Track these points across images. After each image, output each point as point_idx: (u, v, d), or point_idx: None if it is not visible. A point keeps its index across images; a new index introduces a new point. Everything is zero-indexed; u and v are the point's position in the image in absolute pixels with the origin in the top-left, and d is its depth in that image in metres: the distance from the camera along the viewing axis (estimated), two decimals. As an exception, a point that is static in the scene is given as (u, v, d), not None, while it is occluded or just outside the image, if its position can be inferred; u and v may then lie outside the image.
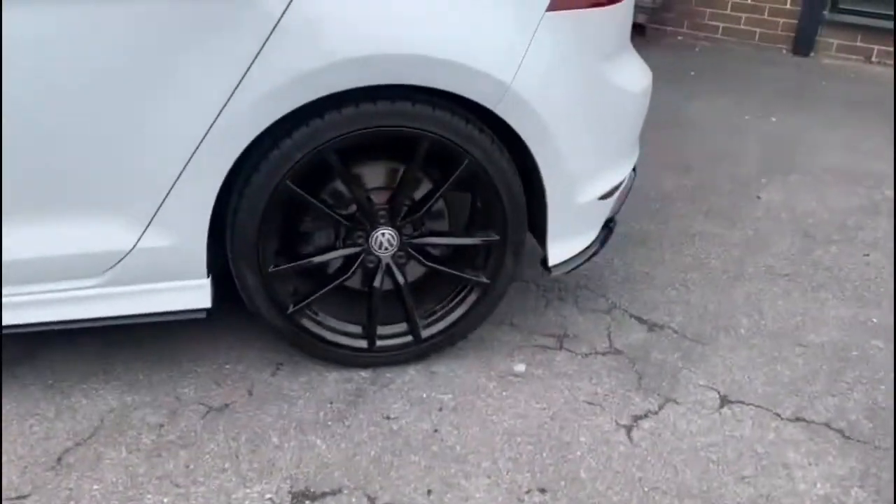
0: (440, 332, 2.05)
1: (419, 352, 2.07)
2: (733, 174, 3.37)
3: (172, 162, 1.67)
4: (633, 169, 2.33)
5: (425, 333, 2.04)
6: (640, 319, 2.36)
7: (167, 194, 1.71)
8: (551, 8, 1.77)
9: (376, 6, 1.66)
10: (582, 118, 1.91)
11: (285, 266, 1.88)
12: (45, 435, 1.78)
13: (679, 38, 5.77)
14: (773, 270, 2.65)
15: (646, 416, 1.96)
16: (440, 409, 1.94)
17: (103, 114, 1.61)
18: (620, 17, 1.97)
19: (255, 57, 1.61)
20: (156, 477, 1.69)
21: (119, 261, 1.77)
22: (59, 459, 1.72)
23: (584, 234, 2.10)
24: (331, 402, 1.93)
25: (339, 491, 1.68)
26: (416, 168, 1.85)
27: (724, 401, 2.03)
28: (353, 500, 1.66)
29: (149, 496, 1.64)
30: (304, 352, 2.01)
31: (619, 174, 2.11)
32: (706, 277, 2.59)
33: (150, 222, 1.74)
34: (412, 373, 2.06)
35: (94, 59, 1.56)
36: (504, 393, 2.01)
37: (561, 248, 2.05)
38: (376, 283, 1.95)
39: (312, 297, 1.93)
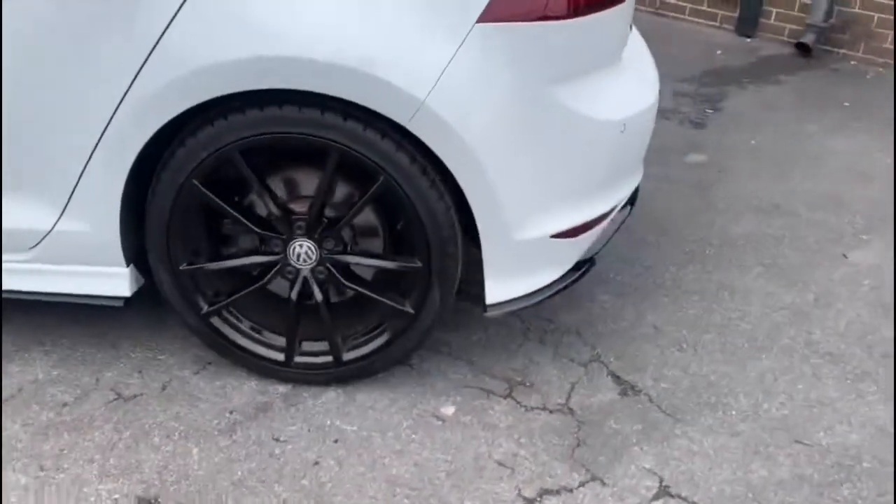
0: (362, 358, 1.91)
1: (339, 375, 1.94)
2: (828, 224, 2.88)
3: (79, 150, 1.68)
4: (630, 203, 2.05)
5: (347, 356, 1.91)
6: (617, 379, 2.06)
7: (77, 181, 1.72)
8: (484, 19, 1.56)
9: (274, 6, 1.55)
10: (520, 146, 1.68)
11: (195, 266, 1.83)
12: (-34, 395, 1.88)
13: (851, 62, 5.07)
14: (814, 346, 2.22)
15: (558, 491, 1.71)
16: (335, 441, 1.81)
17: (16, 96, 1.65)
18: (589, 31, 1.70)
19: (152, 49, 1.56)
20: (28, 455, 1.72)
21: (41, 240, 1.81)
22: (-37, 420, 1.80)
23: (533, 275, 1.86)
24: (231, 412, 1.87)
25: (183, 508, 1.62)
26: (327, 180, 1.72)
27: (662, 492, 1.71)
28: (193, 520, 1.59)
29: (10, 473, 1.67)
30: (221, 356, 1.96)
31: (587, 212, 1.84)
32: (725, 342, 2.22)
33: (65, 207, 1.76)
34: (331, 396, 1.94)
35: (7, 42, 1.60)
36: (413, 435, 1.83)
37: (501, 286, 1.83)
38: (292, 295, 1.85)
39: (225, 301, 1.87)
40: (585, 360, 2.13)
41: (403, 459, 1.76)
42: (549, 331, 2.23)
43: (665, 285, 2.48)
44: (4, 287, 1.89)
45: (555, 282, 1.90)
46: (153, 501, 1.62)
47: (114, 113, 1.62)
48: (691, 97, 4.00)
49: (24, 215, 1.78)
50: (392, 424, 1.86)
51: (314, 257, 1.81)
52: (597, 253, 1.98)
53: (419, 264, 1.78)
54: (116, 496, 1.63)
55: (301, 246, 1.79)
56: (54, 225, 1.78)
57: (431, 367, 2.05)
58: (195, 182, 1.71)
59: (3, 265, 1.86)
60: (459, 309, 2.14)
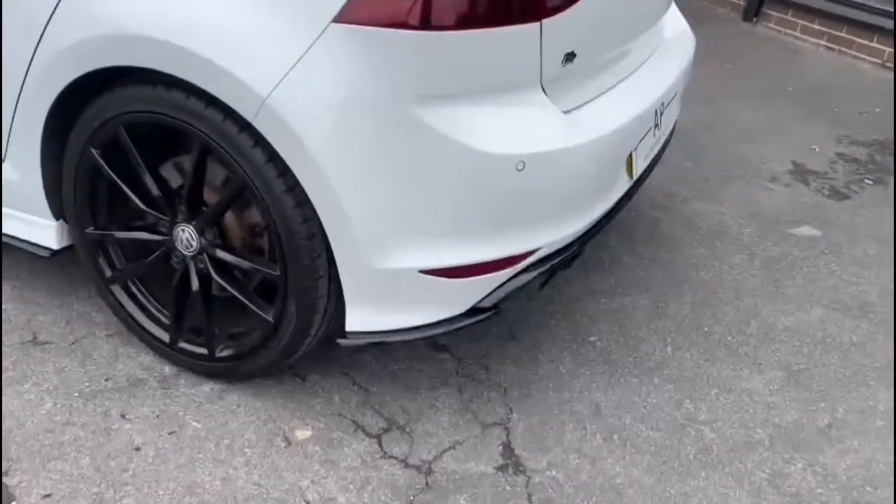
0: (232, 358, 1.85)
1: (210, 369, 1.89)
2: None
3: (7, 102, 1.80)
4: (563, 263, 1.78)
5: (219, 353, 1.86)
6: (508, 452, 1.80)
7: (8, 136, 1.85)
8: (341, 19, 1.43)
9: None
10: (376, 166, 1.52)
11: (99, 231, 1.88)
12: None
13: None
14: (782, 481, 1.77)
15: (341, 552, 1.52)
16: (171, 433, 1.76)
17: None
18: (473, 48, 1.48)
19: (52, 12, 1.63)
20: None
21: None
22: None
23: (405, 310, 1.68)
24: (107, 379, 1.90)
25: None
26: (192, 167, 1.68)
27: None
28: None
29: None
30: (123, 325, 2.00)
31: (472, 253, 1.62)
32: (667, 446, 1.85)
33: (3, 155, 1.90)
34: (205, 389, 1.89)
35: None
36: (247, 450, 1.74)
37: (363, 315, 1.68)
38: (174, 280, 1.84)
39: (117, 272, 1.91)
40: (490, 421, 1.88)
41: (217, 470, 1.68)
42: (476, 380, 2.01)
43: (644, 364, 2.12)
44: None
45: (436, 323, 1.70)
46: (-22, 440, 1.70)
47: (24, 77, 1.72)
48: (855, 162, 3.40)
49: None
50: (236, 432, 1.78)
51: (195, 245, 1.78)
52: (499, 299, 1.74)
53: (276, 272, 1.68)
54: (-46, 426, 1.73)
55: (184, 231, 1.77)
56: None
57: (323, 385, 1.93)
58: (92, 150, 1.76)
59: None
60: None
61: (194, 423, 1.79)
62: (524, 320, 2.24)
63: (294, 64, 1.46)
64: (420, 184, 1.55)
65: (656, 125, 2.10)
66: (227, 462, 1.70)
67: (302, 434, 1.80)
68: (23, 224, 1.98)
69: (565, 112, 1.68)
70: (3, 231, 2.00)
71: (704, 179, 3.18)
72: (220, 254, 1.76)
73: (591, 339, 2.21)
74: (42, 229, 1.95)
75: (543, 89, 1.62)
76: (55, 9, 1.63)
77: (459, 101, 1.52)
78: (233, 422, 1.81)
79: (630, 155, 1.92)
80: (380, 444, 1.79)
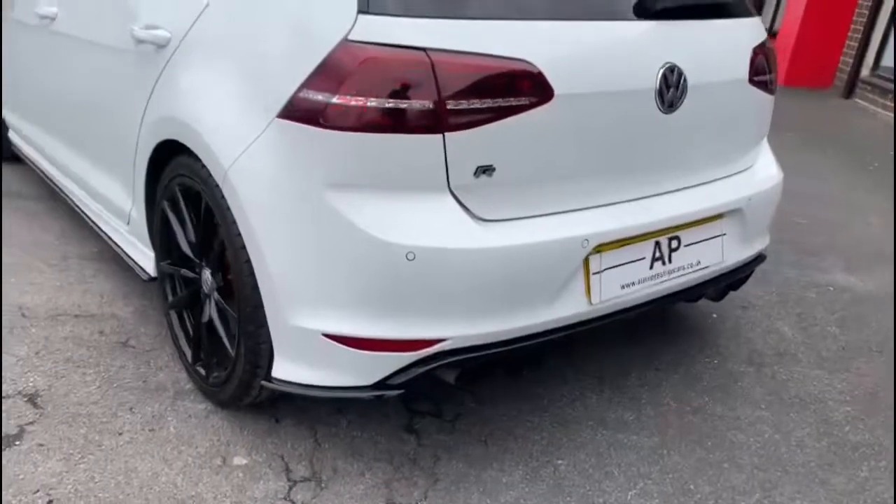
0: (214, 384, 2.21)
1: (206, 391, 2.27)
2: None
3: (135, 161, 2.44)
4: (457, 362, 1.87)
5: (210, 378, 2.23)
6: (390, 529, 1.88)
7: (133, 183, 2.49)
8: (282, 115, 1.79)
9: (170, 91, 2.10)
10: (293, 235, 1.81)
11: (168, 266, 2.40)
12: None
13: None
14: None
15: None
16: (151, 430, 2.16)
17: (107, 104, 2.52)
18: (377, 149, 1.70)
19: (148, 100, 2.24)
20: None
21: (129, 212, 2.62)
22: None
23: (316, 369, 1.90)
24: (144, 381, 2.37)
25: None
26: (202, 220, 2.11)
27: None
28: None
29: None
30: (172, 343, 2.48)
31: (369, 328, 1.81)
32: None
33: (133, 198, 2.55)
34: (200, 407, 2.27)
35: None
36: (189, 459, 2.06)
37: (284, 364, 1.94)
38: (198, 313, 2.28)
39: (175, 298, 2.40)
40: (397, 502, 1.98)
41: (156, 464, 2.02)
42: (419, 465, 2.11)
43: (594, 500, 2.02)
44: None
45: (344, 387, 1.90)
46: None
47: (137, 142, 2.35)
48: None
49: (123, 199, 2.63)
50: (193, 443, 2.11)
51: (209, 285, 2.21)
52: (408, 383, 1.87)
53: (236, 314, 2.03)
54: (28, 383, 2.32)
55: (206, 272, 2.22)
56: (130, 209, 2.59)
57: (287, 430, 2.20)
58: (164, 201, 2.30)
59: (122, 231, 2.73)
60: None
61: (172, 428, 2.18)
62: (509, 429, 2.27)
63: (247, 146, 1.85)
64: (327, 257, 1.80)
65: (658, 258, 2.08)
66: (169, 462, 2.04)
67: (238, 461, 2.07)
68: (138, 252, 2.60)
69: (485, 220, 1.81)
70: (129, 254, 2.64)
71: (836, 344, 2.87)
72: (217, 296, 2.16)
73: (559, 461, 2.16)
74: (146, 259, 2.55)
75: (453, 193, 1.78)
76: (149, 98, 2.23)
77: (366, 191, 1.76)
78: (199, 435, 2.16)
79: (588, 277, 1.95)
80: (289, 490, 1.99)
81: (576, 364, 2.62)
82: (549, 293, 1.90)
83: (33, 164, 3.60)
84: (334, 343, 1.84)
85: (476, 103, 1.73)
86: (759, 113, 2.40)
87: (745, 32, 2.30)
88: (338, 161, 1.74)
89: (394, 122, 1.70)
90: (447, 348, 1.85)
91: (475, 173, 1.78)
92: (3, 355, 2.44)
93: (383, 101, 1.69)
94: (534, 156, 1.84)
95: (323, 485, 2.01)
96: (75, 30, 2.76)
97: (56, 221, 3.47)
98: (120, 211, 2.66)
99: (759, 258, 2.57)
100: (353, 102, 1.69)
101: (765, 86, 2.38)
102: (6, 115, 3.85)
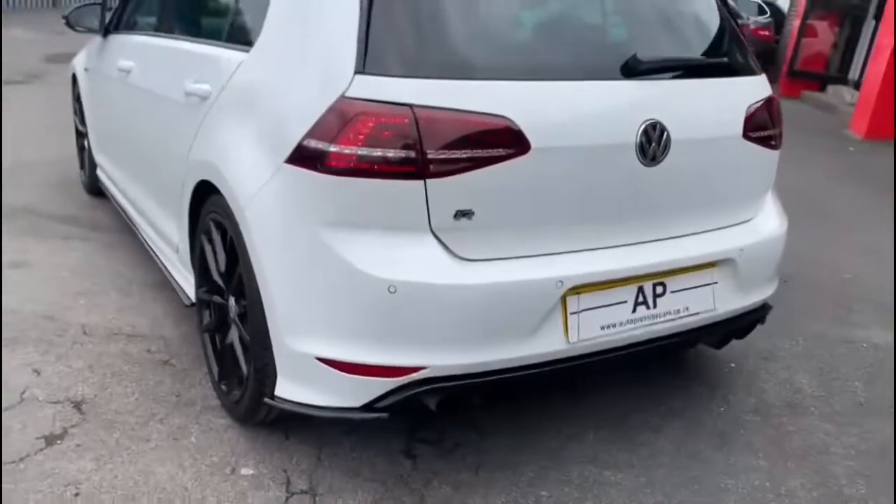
0: (232, 402, 2.44)
1: (228, 408, 2.50)
2: None
3: (181, 196, 2.75)
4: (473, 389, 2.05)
5: (230, 395, 2.46)
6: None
7: (180, 217, 2.79)
8: (288, 161, 2.03)
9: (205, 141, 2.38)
10: (292, 265, 2.04)
11: (204, 293, 2.67)
12: None
13: None
14: None
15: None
16: (175, 439, 2.40)
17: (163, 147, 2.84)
18: (363, 192, 1.91)
19: (192, 143, 2.54)
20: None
21: (177, 243, 2.92)
22: None
23: (312, 390, 2.10)
24: (177, 396, 2.63)
25: None
26: (227, 251, 2.37)
27: None
28: None
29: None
30: (205, 362, 2.73)
31: (356, 353, 2.00)
32: None
33: (180, 231, 2.85)
34: (222, 422, 2.50)
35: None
36: (203, 466, 2.28)
37: (286, 384, 2.15)
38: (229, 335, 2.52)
39: (209, 322, 2.66)
40: (386, 517, 2.13)
41: (171, 467, 2.26)
42: (410, 487, 2.26)
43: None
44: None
45: (336, 408, 2.09)
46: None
47: (183, 180, 2.65)
48: None
49: (173, 231, 2.94)
50: (209, 452, 2.34)
51: (234, 310, 2.45)
52: (392, 409, 2.04)
53: (248, 337, 2.26)
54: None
55: (231, 299, 2.47)
56: (178, 241, 2.89)
57: (296, 447, 2.40)
58: (202, 235, 2.58)
59: (173, 260, 3.04)
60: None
61: (193, 438, 2.42)
62: (502, 460, 2.40)
63: (261, 188, 2.09)
64: (320, 287, 2.01)
65: (641, 302, 2.20)
66: (184, 468, 2.27)
67: (246, 471, 2.29)
68: (184, 280, 2.89)
69: (465, 259, 1.99)
70: (177, 280, 2.94)
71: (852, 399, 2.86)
72: (237, 321, 2.41)
73: (542, 493, 2.27)
74: (190, 286, 2.84)
75: (434, 234, 1.96)
76: (192, 143, 2.53)
77: (355, 229, 1.97)
78: (216, 446, 2.38)
79: (566, 316, 2.08)
80: (286, 500, 2.18)
81: (582, 402, 2.72)
82: (525, 329, 2.04)
83: (113, 198, 4.01)
84: (326, 366, 2.04)
85: (456, 154, 1.92)
86: (757, 168, 2.49)
87: (739, 90, 2.41)
88: (332, 202, 1.96)
89: (381, 168, 1.91)
90: (426, 376, 2.01)
91: (455, 216, 1.96)
92: (62, 366, 2.76)
93: (372, 149, 1.90)
94: (511, 202, 2.00)
95: (317, 499, 2.20)
96: (145, 82, 3.13)
97: (128, 251, 3.84)
98: (172, 242, 2.97)
99: (762, 308, 2.62)
100: (346, 150, 1.91)
101: (765, 141, 2.47)
102: (96, 155, 4.29)
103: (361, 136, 1.91)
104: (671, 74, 2.25)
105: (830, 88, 11.24)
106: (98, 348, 2.91)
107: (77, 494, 2.13)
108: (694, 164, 2.26)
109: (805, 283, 4.02)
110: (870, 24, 10.60)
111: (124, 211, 3.78)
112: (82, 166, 4.81)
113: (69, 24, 3.96)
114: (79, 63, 4.51)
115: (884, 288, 4.08)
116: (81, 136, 4.70)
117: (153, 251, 3.29)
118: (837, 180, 6.57)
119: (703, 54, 2.46)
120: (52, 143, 5.66)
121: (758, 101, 2.44)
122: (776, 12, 14.50)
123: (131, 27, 3.70)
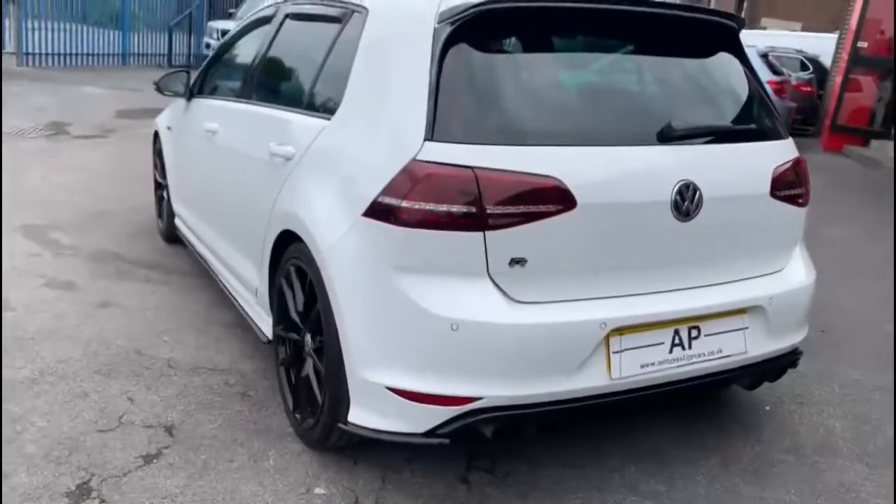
0: (305, 429, 2.72)
1: (301, 435, 2.78)
2: None
3: (261, 243, 3.07)
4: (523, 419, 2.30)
5: (303, 423, 2.74)
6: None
7: (260, 262, 3.12)
8: (365, 214, 2.34)
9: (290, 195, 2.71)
10: (367, 305, 2.33)
11: (281, 329, 2.97)
12: None
13: None
14: None
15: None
16: (255, 461, 2.68)
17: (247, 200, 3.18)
18: (430, 242, 2.20)
19: (276, 199, 2.88)
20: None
21: (256, 292, 3.25)
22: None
23: (383, 417, 2.37)
24: (255, 423, 2.92)
25: (176, 440, 2.79)
26: (306, 292, 2.67)
27: None
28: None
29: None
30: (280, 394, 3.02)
31: (422, 384, 2.27)
32: None
33: (259, 276, 3.18)
34: (296, 447, 2.77)
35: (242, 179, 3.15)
36: (280, 485, 2.55)
37: (359, 411, 2.41)
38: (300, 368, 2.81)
39: (279, 361, 2.95)
40: (443, 534, 2.37)
41: (253, 485, 2.53)
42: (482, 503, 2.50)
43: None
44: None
45: (399, 433, 2.36)
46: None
47: (265, 231, 2.98)
48: None
49: (253, 276, 3.27)
50: (286, 473, 2.61)
51: (310, 346, 2.75)
52: (452, 435, 2.30)
53: (324, 369, 2.54)
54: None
55: (307, 335, 2.76)
56: (258, 285, 3.22)
57: (362, 473, 2.65)
58: (282, 279, 2.90)
59: (251, 302, 3.37)
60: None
61: (271, 461, 2.69)
62: (550, 488, 2.62)
63: (340, 237, 2.40)
64: (391, 324, 2.30)
65: (677, 344, 2.44)
66: (265, 486, 2.55)
67: (319, 490, 2.55)
68: (261, 319, 3.21)
69: (518, 301, 2.26)
70: (254, 320, 3.25)
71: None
72: (313, 355, 2.70)
73: None
74: (267, 325, 3.15)
75: (492, 278, 2.24)
76: (276, 197, 2.86)
77: (423, 273, 2.26)
78: (291, 469, 2.66)
79: (608, 355, 2.33)
80: (356, 518, 2.44)
81: (624, 439, 2.94)
82: (572, 366, 2.29)
83: (191, 246, 4.39)
84: (395, 395, 2.31)
85: (511, 209, 2.21)
86: (784, 223, 2.72)
87: (767, 153, 2.67)
88: (402, 250, 2.26)
89: (446, 221, 2.20)
90: (483, 406, 2.27)
91: (510, 264, 2.24)
92: (153, 395, 3.08)
93: (439, 205, 2.20)
94: (560, 252, 2.28)
95: (383, 516, 2.45)
96: (230, 142, 3.51)
97: (204, 294, 4.19)
98: (251, 285, 3.30)
99: (793, 353, 2.82)
100: (416, 206, 2.22)
101: (792, 199, 2.71)
102: (175, 205, 4.70)
103: (429, 194, 2.21)
104: (703, 139, 2.52)
105: (874, 143, 11.34)
106: (183, 380, 3.22)
107: (173, 505, 2.42)
108: (725, 219, 2.51)
109: (844, 334, 4.19)
110: (913, 80, 10.74)
111: (202, 256, 4.14)
112: (160, 215, 5.22)
113: (159, 89, 4.40)
114: (162, 122, 4.96)
115: (921, 339, 4.21)
116: (160, 187, 5.12)
117: (231, 294, 3.62)
118: (880, 236, 6.68)
119: (732, 121, 2.73)
120: (128, 193, 6.10)
121: (785, 163, 2.69)
122: (819, 68, 14.69)
123: (213, 92, 4.12)
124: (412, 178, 2.23)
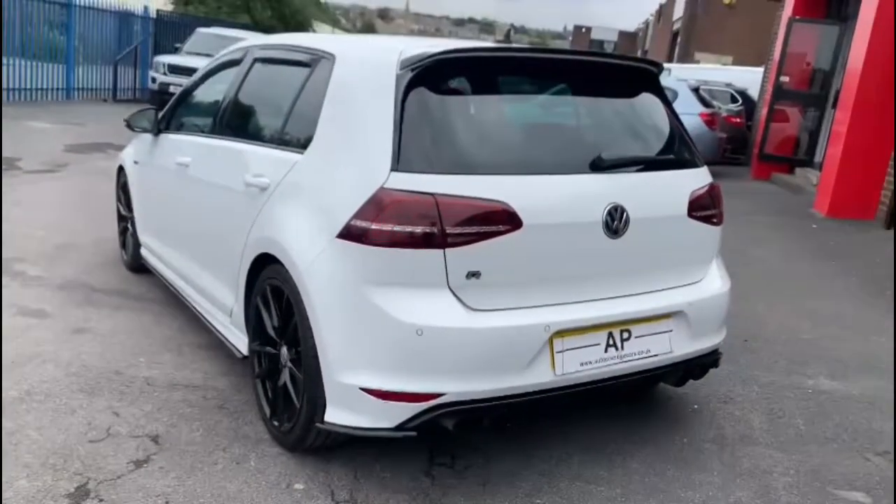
0: (283, 433, 3.00)
1: (279, 439, 3.05)
2: None
3: (238, 269, 3.36)
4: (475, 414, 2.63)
5: (281, 427, 3.02)
6: (402, 535, 2.57)
7: (236, 285, 3.40)
8: (339, 236, 2.66)
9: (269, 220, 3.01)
10: (341, 315, 2.65)
11: (257, 346, 3.25)
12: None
13: None
14: None
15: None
16: (237, 463, 2.94)
17: (222, 228, 3.46)
18: (396, 259, 2.53)
19: (252, 225, 3.18)
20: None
21: (231, 312, 3.53)
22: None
23: (355, 414, 2.67)
24: (235, 431, 3.18)
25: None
26: (283, 310, 2.97)
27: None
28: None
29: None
30: (257, 404, 3.29)
31: (390, 383, 2.59)
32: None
33: (236, 297, 3.45)
34: (275, 450, 3.05)
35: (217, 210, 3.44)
36: (263, 482, 2.83)
37: (334, 411, 2.72)
38: (277, 378, 3.10)
39: (254, 374, 3.23)
40: (411, 519, 2.67)
41: (237, 483, 2.79)
42: (429, 497, 2.80)
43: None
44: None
45: (374, 428, 2.66)
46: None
47: (241, 255, 3.27)
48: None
49: (227, 298, 3.55)
50: (266, 472, 2.88)
51: (286, 357, 3.04)
52: (419, 428, 2.62)
53: (302, 376, 2.84)
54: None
55: (283, 348, 3.05)
56: (232, 306, 3.49)
57: (339, 470, 2.94)
58: (257, 298, 3.19)
59: (225, 322, 3.63)
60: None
61: (252, 462, 2.96)
62: (503, 477, 2.95)
63: (316, 256, 2.72)
64: (364, 331, 2.62)
65: (611, 345, 2.82)
66: (249, 484, 2.81)
67: (298, 486, 2.83)
68: (236, 337, 3.48)
69: (474, 309, 2.60)
70: (229, 339, 3.53)
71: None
72: (290, 365, 2.99)
73: (537, 501, 2.82)
74: (241, 342, 3.42)
75: (451, 289, 2.59)
76: (252, 224, 3.17)
77: (391, 286, 2.59)
78: (271, 468, 2.93)
79: (552, 354, 2.69)
80: (329, 510, 2.73)
81: (567, 434, 3.29)
82: (521, 364, 2.64)
83: (159, 273, 4.62)
84: (367, 395, 2.62)
85: (467, 229, 2.56)
86: (701, 240, 3.14)
87: (685, 180, 3.09)
88: (373, 266, 2.59)
89: (411, 241, 2.55)
90: (445, 401, 2.60)
91: (467, 276, 2.59)
92: (136, 409, 3.31)
93: (404, 227, 2.55)
94: (509, 266, 2.64)
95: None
96: (203, 174, 3.80)
97: (175, 319, 4.42)
98: (225, 307, 3.57)
99: (714, 353, 3.23)
100: (385, 227, 2.56)
101: (708, 219, 3.13)
102: (141, 235, 4.93)
103: (396, 217, 2.55)
104: (629, 168, 2.93)
105: (798, 171, 12.12)
106: (163, 396, 3.46)
107: (167, 503, 2.67)
108: (649, 237, 2.91)
109: (765, 343, 4.65)
110: (830, 111, 11.55)
111: (171, 283, 4.38)
112: (123, 246, 5.43)
113: (129, 126, 4.66)
114: (127, 157, 5.19)
115: (837, 347, 4.70)
116: (124, 219, 5.34)
117: (203, 316, 3.88)
118: (799, 255, 7.27)
119: (654, 152, 3.16)
120: (88, 226, 6.26)
121: (700, 188, 3.12)
122: (747, 100, 15.60)
123: (183, 128, 4.40)
124: (381, 204, 2.57)
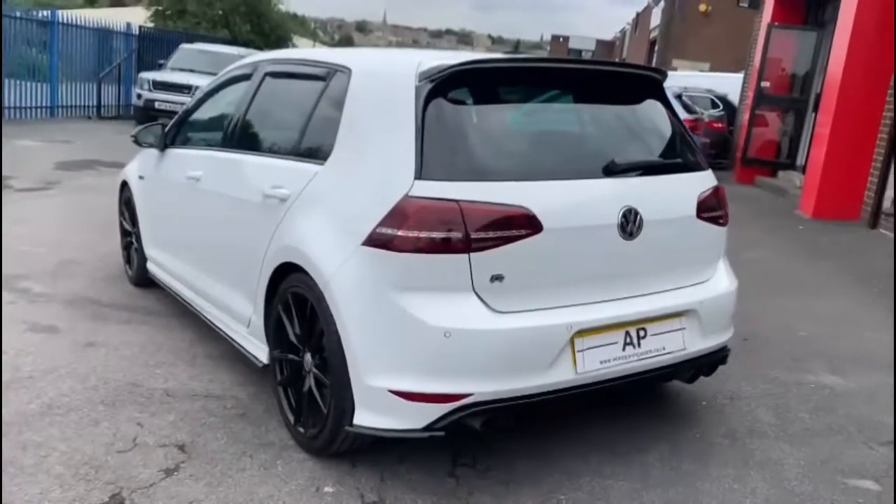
0: (309, 438, 3.06)
1: (304, 444, 3.11)
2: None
3: (258, 280, 3.42)
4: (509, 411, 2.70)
5: (307, 433, 3.08)
6: (434, 533, 2.63)
7: (255, 295, 3.46)
8: (364, 243, 2.74)
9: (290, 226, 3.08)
10: (370, 320, 2.72)
11: (278, 353, 3.31)
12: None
13: None
14: None
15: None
16: (265, 469, 3.00)
17: (239, 239, 3.52)
18: (422, 264, 2.61)
19: (273, 234, 3.24)
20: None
21: (249, 323, 3.59)
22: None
23: (386, 416, 2.74)
24: (258, 438, 3.24)
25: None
26: (308, 317, 3.03)
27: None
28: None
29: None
30: (279, 411, 3.35)
31: (418, 385, 2.66)
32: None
33: (254, 308, 3.51)
34: (300, 455, 3.11)
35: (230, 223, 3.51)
36: (292, 485, 2.88)
37: (363, 414, 2.78)
38: (301, 384, 3.16)
39: (276, 381, 3.29)
40: (441, 517, 2.74)
41: (267, 486, 2.85)
42: (457, 497, 2.87)
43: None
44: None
45: (403, 430, 2.73)
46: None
47: (262, 265, 3.33)
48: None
49: (245, 308, 3.60)
50: (296, 476, 2.94)
51: (309, 364, 3.10)
52: (447, 428, 2.69)
53: (328, 381, 2.90)
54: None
55: (307, 355, 3.12)
56: (251, 315, 3.55)
57: (365, 473, 3.00)
58: (279, 306, 3.25)
59: (242, 332, 3.69)
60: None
61: (279, 468, 3.02)
62: (526, 476, 3.03)
63: (342, 264, 2.79)
64: (392, 335, 2.69)
65: (629, 343, 2.91)
66: (279, 488, 2.87)
67: (328, 489, 2.89)
68: (254, 347, 3.54)
69: (499, 311, 2.69)
70: (247, 349, 3.58)
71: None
72: (315, 370, 3.05)
73: (561, 496, 2.90)
74: (261, 351, 3.48)
75: (476, 293, 2.67)
76: (273, 234, 3.23)
77: (418, 291, 2.66)
78: (299, 473, 2.98)
79: (574, 353, 2.78)
80: (360, 510, 2.79)
81: (584, 433, 3.38)
82: (544, 363, 2.73)
83: (168, 287, 4.66)
84: (396, 397, 2.69)
85: (490, 234, 2.65)
86: (709, 240, 3.25)
87: (692, 182, 3.20)
88: (399, 272, 2.67)
89: (436, 246, 2.63)
90: (472, 401, 2.67)
91: (491, 280, 2.67)
92: (159, 420, 3.36)
93: (430, 233, 2.63)
94: (531, 269, 2.73)
95: (385, 506, 2.81)
96: (217, 187, 3.86)
97: (186, 331, 4.47)
98: (242, 317, 3.63)
99: (722, 349, 3.33)
100: (410, 234, 2.63)
101: (715, 220, 3.24)
102: (148, 250, 4.96)
103: (421, 224, 2.63)
104: (640, 172, 3.03)
105: (781, 174, 12.35)
106: (184, 406, 3.51)
107: (200, 509, 2.73)
108: (662, 238, 3.01)
109: (764, 342, 4.77)
110: (811, 115, 11.79)
111: (181, 296, 4.43)
112: (128, 261, 5.45)
113: (136, 141, 4.71)
114: (132, 172, 5.23)
115: (834, 344, 4.82)
116: (128, 234, 5.37)
117: (218, 327, 3.93)
118: (789, 255, 7.42)
119: (663, 156, 3.27)
120: (89, 242, 6.28)
121: (706, 190, 3.23)
122: (728, 105, 15.85)
123: (191, 143, 4.46)
124: (406, 212, 2.65)
